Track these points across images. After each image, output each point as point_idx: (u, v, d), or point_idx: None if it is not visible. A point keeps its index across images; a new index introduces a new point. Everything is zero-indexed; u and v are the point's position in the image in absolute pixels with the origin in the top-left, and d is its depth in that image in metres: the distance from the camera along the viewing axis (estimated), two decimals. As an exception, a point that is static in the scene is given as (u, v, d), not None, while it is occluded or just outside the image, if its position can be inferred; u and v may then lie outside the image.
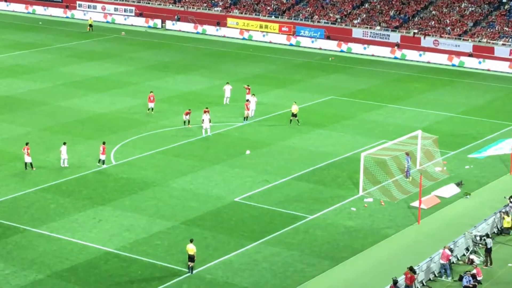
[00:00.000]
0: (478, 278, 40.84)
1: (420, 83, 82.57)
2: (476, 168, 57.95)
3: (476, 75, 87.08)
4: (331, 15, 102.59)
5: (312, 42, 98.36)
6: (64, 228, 46.94)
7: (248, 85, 72.79)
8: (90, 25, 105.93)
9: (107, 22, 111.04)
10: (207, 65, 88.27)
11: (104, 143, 57.03)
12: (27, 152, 55.60)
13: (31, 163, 55.77)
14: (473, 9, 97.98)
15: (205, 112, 63.85)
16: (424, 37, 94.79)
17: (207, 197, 51.86)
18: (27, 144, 56.39)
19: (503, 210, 47.43)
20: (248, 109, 67.63)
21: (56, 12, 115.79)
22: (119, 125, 66.15)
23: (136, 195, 52.09)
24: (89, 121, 67.47)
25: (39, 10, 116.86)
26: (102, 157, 56.49)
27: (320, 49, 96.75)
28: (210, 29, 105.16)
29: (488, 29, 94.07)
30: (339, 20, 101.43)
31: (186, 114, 65.48)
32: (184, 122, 65.69)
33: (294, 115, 66.54)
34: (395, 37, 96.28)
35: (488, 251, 43.23)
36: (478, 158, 60.03)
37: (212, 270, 42.48)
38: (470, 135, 65.47)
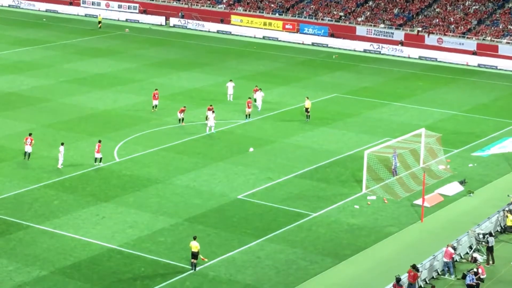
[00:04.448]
0: (482, 277, 40.81)
1: (424, 81, 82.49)
2: (480, 167, 57.88)
3: (480, 73, 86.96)
4: (335, 12, 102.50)
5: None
6: (68, 224, 46.95)
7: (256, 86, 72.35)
8: (100, 22, 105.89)
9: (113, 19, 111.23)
10: (211, 62, 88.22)
11: (100, 141, 56.88)
12: (30, 142, 55.71)
13: (29, 154, 55.84)
14: (477, 7, 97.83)
15: (209, 109, 63.78)
16: (428, 35, 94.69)
17: (210, 194, 51.84)
18: (30, 134, 56.46)
19: (507, 209, 47.39)
20: (249, 107, 67.39)
21: (60, 8, 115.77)
22: (123, 122, 66.12)
23: (140, 192, 52.08)
24: (92, 118, 67.44)
25: (43, 6, 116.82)
26: (97, 155, 56.18)
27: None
28: (214, 26, 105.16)
29: (492, 27, 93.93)
30: (343, 17, 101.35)
31: (181, 111, 65.38)
32: (179, 120, 65.62)
33: (307, 110, 66.67)
34: (399, 35, 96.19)
35: (490, 249, 43.20)
36: (481, 157, 59.95)
37: (215, 267, 42.46)
38: (474, 133, 65.38)
